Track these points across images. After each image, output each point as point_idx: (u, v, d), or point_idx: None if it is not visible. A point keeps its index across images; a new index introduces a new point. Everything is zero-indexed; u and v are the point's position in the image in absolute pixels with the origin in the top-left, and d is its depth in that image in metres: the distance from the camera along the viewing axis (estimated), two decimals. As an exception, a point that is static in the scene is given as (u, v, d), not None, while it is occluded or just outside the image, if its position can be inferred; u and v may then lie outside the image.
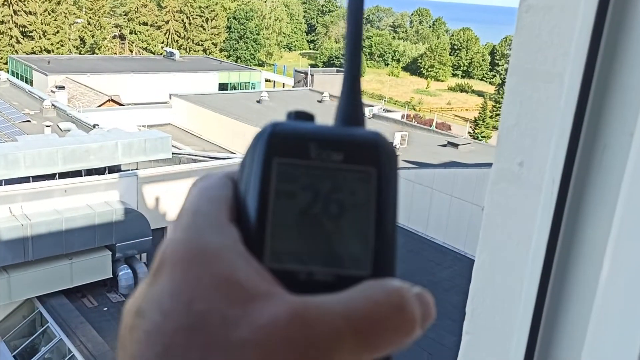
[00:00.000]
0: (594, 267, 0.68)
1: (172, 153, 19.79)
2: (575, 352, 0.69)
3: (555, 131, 0.68)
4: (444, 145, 27.76)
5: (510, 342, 0.74)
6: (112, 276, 16.12)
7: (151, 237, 16.60)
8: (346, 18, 0.38)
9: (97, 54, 57.65)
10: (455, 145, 27.46)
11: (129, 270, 16.30)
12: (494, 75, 73.49)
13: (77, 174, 16.79)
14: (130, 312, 0.32)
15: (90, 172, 17.11)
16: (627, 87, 0.65)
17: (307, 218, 0.34)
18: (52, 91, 30.50)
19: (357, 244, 0.34)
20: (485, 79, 76.49)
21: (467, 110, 61.62)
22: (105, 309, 15.12)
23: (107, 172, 17.40)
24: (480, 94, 66.84)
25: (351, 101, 0.37)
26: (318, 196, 0.34)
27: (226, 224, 0.33)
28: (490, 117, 49.21)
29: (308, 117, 0.36)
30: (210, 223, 0.33)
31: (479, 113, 49.99)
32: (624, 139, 0.65)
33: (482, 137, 45.69)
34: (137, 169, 18.29)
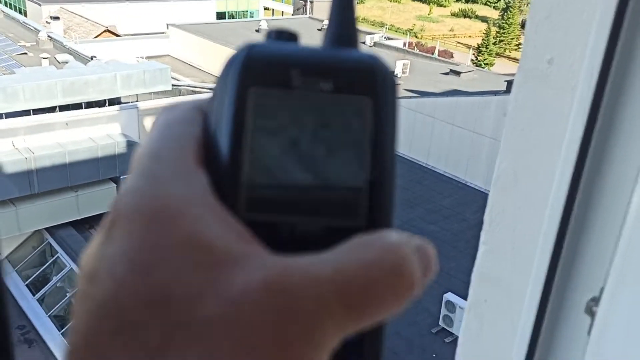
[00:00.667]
0: (629, 175, 0.64)
1: (172, 85, 19.56)
2: (605, 250, 0.66)
3: (594, 20, 0.62)
4: (446, 74, 27.34)
5: (535, 248, 0.71)
6: (116, 208, 16.32)
7: (154, 169, 16.65)
8: None
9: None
10: (458, 73, 27.04)
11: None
12: (498, 0, 71.38)
13: (77, 106, 16.66)
14: (81, 274, 0.27)
15: (90, 104, 16.99)
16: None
17: (290, 159, 0.28)
18: (47, 22, 29.77)
19: (350, 189, 0.29)
20: (489, 3, 74.35)
21: (470, 37, 60.32)
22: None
23: (107, 104, 17.27)
24: (484, 19, 65.21)
25: (343, 18, 0.31)
26: (303, 133, 0.28)
27: (193, 169, 0.28)
28: (494, 43, 48.21)
29: (291, 37, 0.31)
30: (173, 169, 0.27)
31: (482, 40, 48.93)
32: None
33: (485, 64, 44.93)
34: (137, 101, 18.13)
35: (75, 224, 15.32)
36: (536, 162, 0.73)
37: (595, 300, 0.64)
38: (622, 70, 0.63)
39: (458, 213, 16.44)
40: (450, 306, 11.06)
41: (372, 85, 0.29)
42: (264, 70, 0.28)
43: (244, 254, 0.25)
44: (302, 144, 0.28)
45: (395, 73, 25.97)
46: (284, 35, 0.31)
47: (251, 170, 0.28)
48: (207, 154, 0.29)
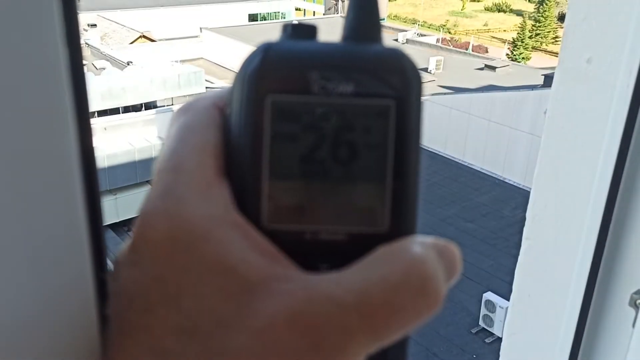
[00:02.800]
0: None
1: (206, 87, 19.87)
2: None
3: (631, 21, 0.64)
4: (481, 69, 27.02)
5: (578, 241, 0.73)
6: (154, 210, 16.67)
7: (191, 171, 16.96)
8: None
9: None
10: (493, 68, 26.69)
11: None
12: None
13: (114, 111, 17.07)
14: (111, 292, 0.27)
15: (127, 109, 17.39)
16: None
17: (312, 166, 0.28)
18: (84, 30, 30.57)
19: (372, 195, 0.28)
20: (524, -4, 73.09)
21: (505, 31, 59.38)
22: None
23: (143, 108, 17.65)
24: (519, 13, 64.10)
25: (363, 10, 0.29)
26: (324, 138, 0.28)
27: (214, 181, 0.27)
28: (530, 37, 47.35)
29: (309, 32, 0.29)
30: (195, 184, 0.27)
31: (518, 34, 48.10)
32: None
33: (521, 58, 44.17)
34: (172, 104, 18.48)
35: (114, 227, 15.72)
36: (577, 158, 0.75)
37: None
38: (662, 68, 0.65)
39: (496, 210, 16.21)
40: (490, 305, 10.93)
41: (396, 87, 0.28)
42: (280, 76, 0.27)
43: (268, 276, 0.25)
44: (323, 151, 0.28)
45: (420, 68, 25.81)
46: (301, 30, 0.29)
47: (272, 180, 0.27)
48: (227, 161, 0.28)
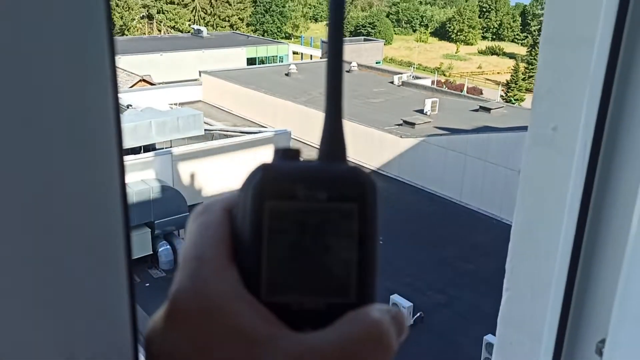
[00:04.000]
0: (625, 222, 0.72)
1: (205, 129, 20.03)
2: (609, 296, 0.74)
3: (586, 96, 0.72)
4: (476, 110, 27.32)
5: (549, 295, 0.79)
6: (152, 252, 16.56)
7: (188, 214, 16.90)
8: (327, 54, 0.39)
9: (127, 35, 58.15)
10: (488, 110, 26.99)
11: (169, 247, 16.72)
12: (526, 37, 71.57)
13: (113, 154, 17.18)
14: (150, 353, 0.38)
15: (126, 152, 17.48)
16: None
17: (298, 253, 0.38)
18: (84, 74, 30.91)
19: (343, 275, 0.38)
20: (516, 40, 74.58)
21: (498, 73, 60.35)
22: (147, 284, 15.58)
23: (142, 151, 17.75)
24: (511, 56, 65.27)
25: (333, 137, 0.39)
26: (306, 232, 0.38)
27: (227, 266, 0.38)
28: (523, 79, 48.12)
29: (294, 154, 0.39)
30: (214, 269, 0.38)
31: (511, 76, 48.92)
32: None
33: (514, 100, 44.76)
34: (171, 146, 18.60)
35: (112, 269, 15.58)
36: (546, 215, 0.81)
37: (603, 342, 0.71)
38: (613, 139, 0.72)
39: (495, 251, 16.16)
40: (491, 348, 10.81)
41: (356, 194, 0.38)
42: (275, 188, 0.38)
43: (270, 336, 0.36)
44: (306, 242, 0.38)
45: (416, 110, 25.81)
46: (289, 153, 0.39)
47: (268, 264, 0.38)
48: (235, 250, 0.39)
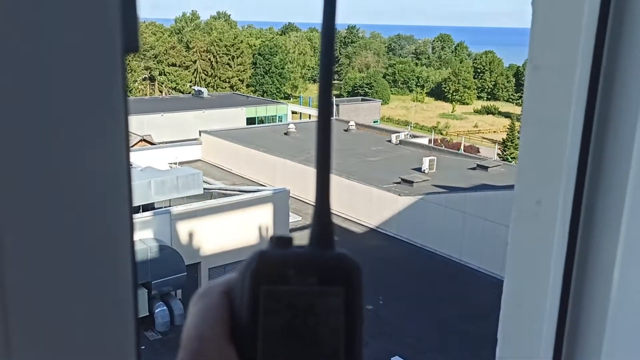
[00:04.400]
0: (605, 291, 0.77)
1: (204, 188, 20.12)
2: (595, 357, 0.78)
3: (564, 172, 0.78)
4: (474, 168, 27.57)
5: (537, 363, 0.83)
6: (148, 314, 16.31)
7: (186, 273, 16.80)
8: (315, 147, 0.44)
9: (129, 96, 59.09)
10: (485, 168, 27.23)
11: (165, 308, 16.50)
12: (520, 96, 72.92)
13: (113, 213, 17.18)
14: None
15: (126, 211, 17.48)
16: (622, 134, 0.75)
17: (291, 332, 0.42)
18: (86, 134, 31.34)
19: (332, 349, 0.42)
20: (511, 100, 76.05)
21: (494, 132, 61.21)
22: (143, 347, 15.29)
23: (141, 210, 17.76)
24: (507, 115, 66.38)
25: (322, 224, 0.44)
26: (298, 313, 0.42)
27: (226, 345, 0.42)
28: (519, 137, 48.63)
29: (287, 242, 0.44)
30: (214, 348, 0.42)
31: (507, 134, 49.61)
32: (622, 179, 0.74)
33: (511, 158, 45.19)
34: (170, 206, 18.64)
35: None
36: (533, 286, 0.86)
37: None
38: (590, 214, 0.78)
39: (496, 311, 15.87)
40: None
41: (343, 278, 0.43)
42: (269, 273, 0.42)
43: None
44: (298, 322, 0.42)
45: (413, 168, 25.95)
46: (282, 241, 0.44)
47: (264, 342, 0.42)
48: (234, 330, 0.43)
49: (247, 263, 0.43)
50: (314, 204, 0.44)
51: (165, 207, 18.54)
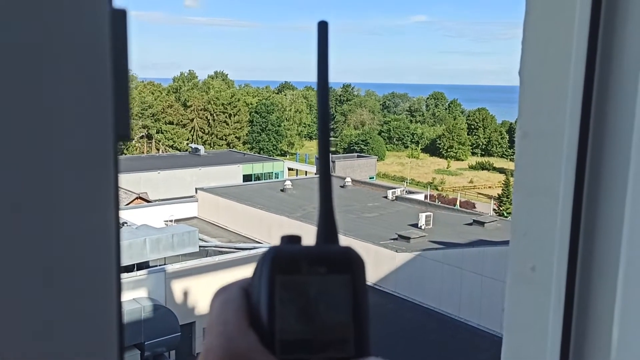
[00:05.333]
0: (604, 352, 0.76)
1: (199, 246, 19.96)
2: None
3: (557, 238, 0.78)
4: (470, 224, 27.51)
5: None
6: (141, 376, 15.85)
7: (180, 334, 16.45)
8: (317, 154, 0.50)
9: (126, 154, 59.64)
10: (482, 224, 27.18)
11: (158, 371, 16.06)
12: (514, 152, 73.67)
13: (107, 272, 16.95)
14: None
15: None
16: (612, 197, 0.75)
17: (304, 317, 0.46)
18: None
19: (342, 333, 0.46)
20: (505, 155, 76.80)
21: (490, 187, 61.51)
22: (136, 410, 14.78)
23: (135, 269, 17.56)
24: (501, 170, 66.89)
25: (327, 222, 0.49)
26: (310, 300, 0.46)
27: (247, 329, 0.46)
28: (511, 202, 48.77)
29: (297, 239, 0.49)
30: (237, 330, 0.46)
31: (502, 190, 49.82)
32: (615, 241, 0.75)
33: (507, 213, 45.18)
34: (165, 264, 18.44)
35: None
36: (532, 352, 0.85)
37: None
38: (587, 275, 0.78)
39: (496, 370, 15.51)
40: None
41: (350, 267, 0.47)
42: (284, 264, 0.47)
43: None
44: (310, 308, 0.46)
45: (410, 224, 26.01)
46: (293, 239, 0.49)
47: (281, 327, 0.46)
48: (253, 317, 0.47)
49: (262, 258, 0.48)
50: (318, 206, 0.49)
51: (160, 265, 18.34)
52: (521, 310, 0.85)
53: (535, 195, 0.82)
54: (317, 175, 0.50)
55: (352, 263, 0.48)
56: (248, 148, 68.50)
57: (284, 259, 0.47)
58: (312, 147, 79.03)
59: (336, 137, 79.10)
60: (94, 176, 0.39)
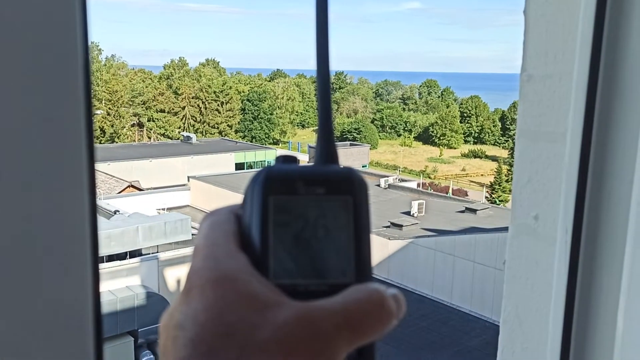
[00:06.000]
0: (612, 309, 0.73)
1: (192, 234, 19.91)
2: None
3: (563, 185, 0.75)
4: (462, 212, 27.57)
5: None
6: (134, 363, 15.85)
7: (173, 321, 16.42)
8: (316, 67, 0.45)
9: (117, 142, 59.29)
10: (474, 211, 27.25)
11: (152, 356, 16.05)
12: (507, 140, 73.98)
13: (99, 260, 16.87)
14: (169, 326, 0.40)
15: (111, 257, 17.23)
16: (623, 141, 0.72)
17: (301, 241, 0.42)
18: (73, 180, 31.08)
19: (342, 258, 0.42)
20: (497, 143, 76.91)
21: (482, 175, 61.63)
22: (129, 397, 14.78)
23: (128, 256, 17.50)
24: (494, 158, 67.02)
25: (326, 142, 0.45)
26: (308, 223, 0.42)
27: (237, 251, 0.42)
28: (507, 180, 49.08)
29: (293, 159, 0.45)
30: (225, 252, 0.41)
31: (495, 177, 49.94)
32: (625, 187, 0.71)
33: (499, 201, 45.39)
34: (157, 252, 18.39)
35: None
36: (534, 304, 0.82)
37: None
38: (594, 224, 0.75)
39: (488, 355, 15.66)
40: None
41: (351, 188, 0.43)
42: (278, 184, 0.42)
43: (279, 301, 0.39)
44: (308, 231, 0.42)
45: (402, 212, 26.07)
46: (288, 159, 0.45)
47: (274, 252, 0.41)
48: (243, 242, 0.43)
49: (254, 177, 0.43)
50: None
51: (153, 253, 18.29)
52: (523, 263, 0.82)
53: (540, 140, 0.79)
54: (316, 92, 0.46)
55: (353, 183, 0.43)
56: (240, 136, 68.23)
57: (278, 178, 0.43)
58: (304, 136, 78.86)
59: (329, 125, 78.50)
60: (64, 164, 0.37)
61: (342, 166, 0.45)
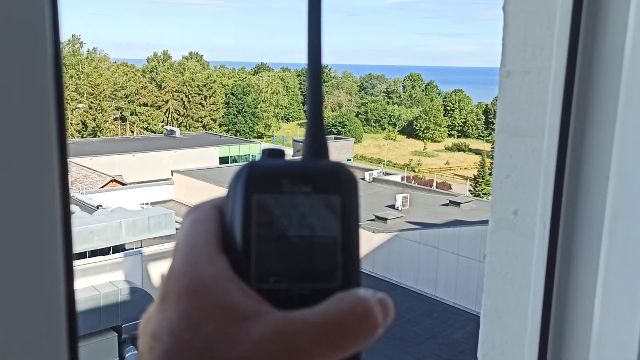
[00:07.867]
0: (589, 302, 0.74)
1: (176, 229, 19.81)
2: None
3: (541, 181, 0.76)
4: (446, 205, 27.75)
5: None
6: (118, 359, 15.78)
7: (158, 316, 16.35)
8: (306, 59, 0.42)
9: (99, 136, 58.69)
10: (457, 204, 27.43)
11: (136, 352, 15.98)
12: (490, 133, 74.48)
13: (81, 255, 16.75)
14: (146, 334, 0.39)
15: (94, 252, 17.08)
16: (599, 137, 0.73)
17: (284, 243, 0.39)
18: (55, 175, 30.72)
19: (328, 261, 0.39)
20: (481, 137, 77.44)
21: (466, 168, 62.04)
22: (114, 393, 14.71)
23: (111, 251, 17.38)
24: (477, 152, 67.47)
25: (315, 136, 0.42)
26: (292, 223, 0.39)
27: (217, 254, 0.39)
28: (490, 174, 49.30)
29: (279, 153, 0.42)
30: (204, 256, 0.39)
31: (478, 171, 50.30)
32: (601, 182, 0.72)
33: (483, 194, 45.71)
34: (141, 247, 18.28)
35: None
36: (513, 298, 0.83)
37: None
38: (571, 219, 0.76)
39: (473, 347, 15.78)
40: None
41: (339, 187, 0.40)
42: (262, 181, 0.40)
43: (257, 311, 0.37)
44: (292, 233, 0.39)
45: (387, 205, 26.14)
46: (274, 153, 0.42)
47: (257, 254, 0.39)
48: (225, 242, 0.40)
49: (237, 174, 0.41)
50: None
51: (136, 247, 18.17)
52: (502, 258, 0.83)
53: (519, 135, 0.80)
54: (306, 81, 0.43)
55: (341, 181, 0.40)
56: (224, 130, 67.91)
57: (261, 175, 0.40)
58: (289, 130, 78.70)
59: (313, 119, 78.41)
60: (34, 159, 0.36)
61: (332, 161, 0.42)
